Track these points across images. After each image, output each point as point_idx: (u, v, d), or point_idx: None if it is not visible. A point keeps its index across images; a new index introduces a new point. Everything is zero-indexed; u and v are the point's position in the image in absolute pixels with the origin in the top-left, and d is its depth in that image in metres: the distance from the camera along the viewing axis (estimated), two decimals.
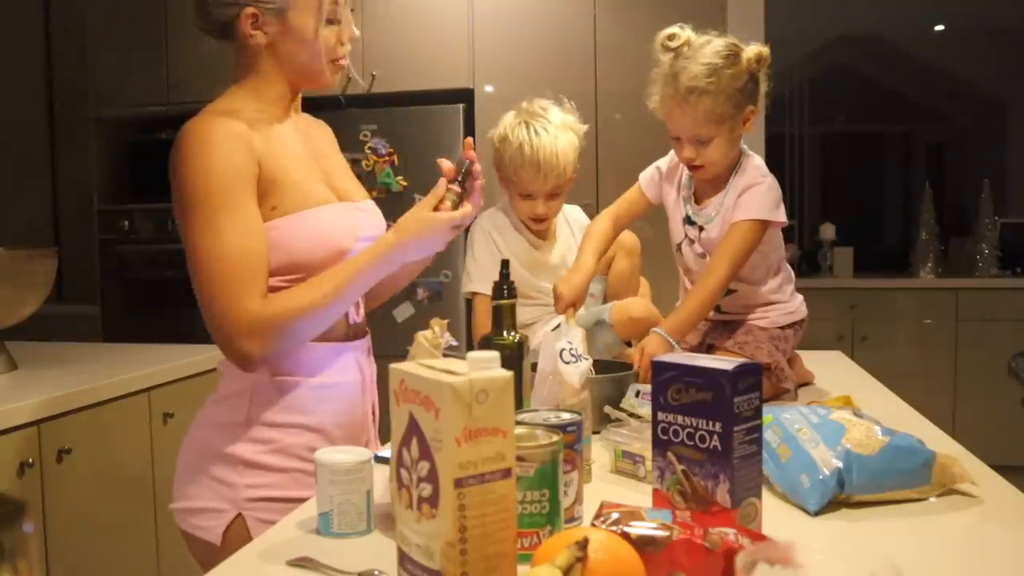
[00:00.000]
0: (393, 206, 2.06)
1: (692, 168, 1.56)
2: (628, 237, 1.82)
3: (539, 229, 1.83)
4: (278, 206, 1.21)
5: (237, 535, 1.21)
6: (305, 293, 1.18)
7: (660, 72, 1.52)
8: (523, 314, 1.81)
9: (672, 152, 1.67)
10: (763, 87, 1.54)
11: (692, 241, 1.63)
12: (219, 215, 1.16)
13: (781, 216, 1.55)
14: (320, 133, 1.43)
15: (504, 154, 1.75)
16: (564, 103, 1.80)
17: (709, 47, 1.48)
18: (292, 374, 1.25)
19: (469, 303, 1.89)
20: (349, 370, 1.32)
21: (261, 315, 1.15)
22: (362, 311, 1.39)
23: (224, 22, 1.25)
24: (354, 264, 1.21)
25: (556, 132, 1.71)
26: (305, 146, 1.32)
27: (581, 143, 1.77)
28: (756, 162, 1.59)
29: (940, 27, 5.52)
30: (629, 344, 1.69)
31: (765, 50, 1.49)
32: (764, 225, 1.53)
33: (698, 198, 1.63)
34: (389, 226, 1.29)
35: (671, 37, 1.50)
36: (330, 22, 1.25)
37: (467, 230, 1.47)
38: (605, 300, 1.85)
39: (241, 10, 1.23)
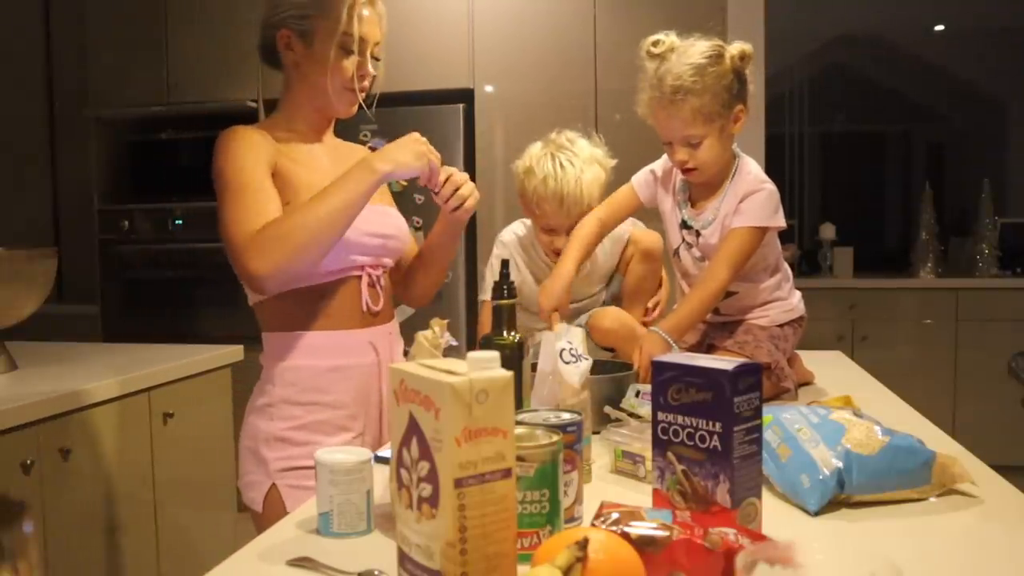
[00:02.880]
0: None
1: (686, 172, 1.56)
2: (647, 238, 1.81)
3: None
4: (291, 202, 1.39)
5: (273, 503, 1.40)
6: (296, 211, 1.33)
7: (646, 78, 1.53)
8: (531, 321, 1.82)
9: (665, 157, 1.68)
10: (751, 87, 1.54)
11: (690, 246, 1.63)
12: (240, 181, 1.37)
13: (780, 221, 1.55)
14: (359, 157, 1.58)
15: (528, 185, 1.72)
16: (593, 136, 1.77)
17: (693, 49, 1.50)
18: (307, 359, 1.43)
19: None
20: (363, 352, 1.47)
21: (256, 235, 1.31)
22: (382, 300, 1.51)
23: (268, 44, 1.47)
24: (341, 179, 1.35)
25: (582, 166, 1.69)
26: (332, 163, 1.50)
27: (608, 178, 1.74)
28: (752, 167, 1.59)
29: (940, 27, 5.52)
30: (611, 350, 1.68)
31: (748, 47, 1.51)
32: (763, 231, 1.53)
33: (694, 202, 1.63)
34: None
35: (655, 43, 1.52)
36: (348, 52, 1.42)
37: (473, 224, 1.50)
38: (620, 300, 1.85)
39: (278, 31, 1.44)
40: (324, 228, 1.32)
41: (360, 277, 1.47)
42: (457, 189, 1.42)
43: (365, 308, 1.47)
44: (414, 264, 1.64)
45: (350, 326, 1.46)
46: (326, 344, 1.44)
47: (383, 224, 1.50)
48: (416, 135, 1.40)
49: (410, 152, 1.37)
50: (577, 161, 1.69)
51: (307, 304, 1.43)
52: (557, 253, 1.75)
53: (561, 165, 1.68)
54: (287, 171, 1.41)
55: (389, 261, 1.54)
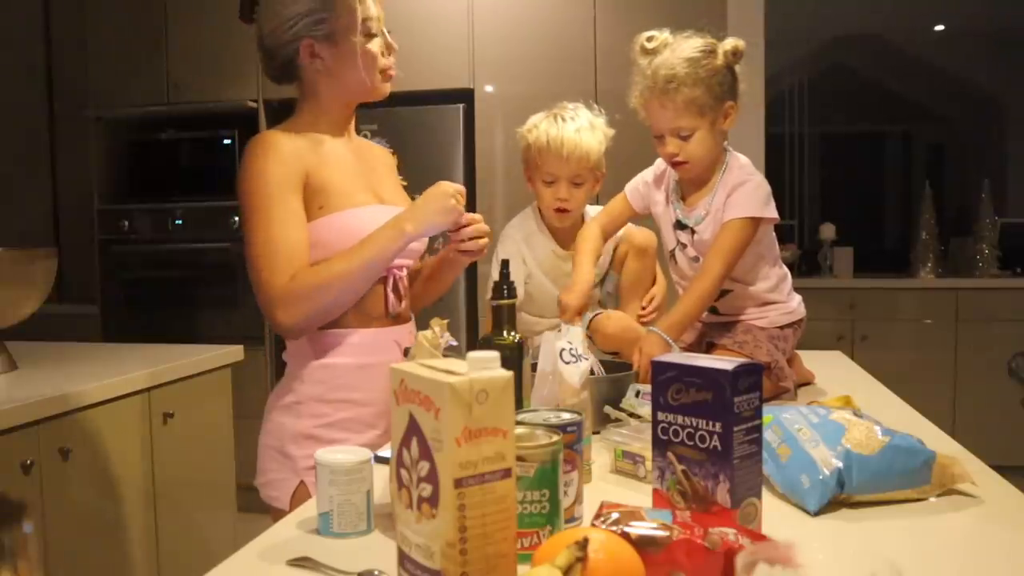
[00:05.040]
0: None
1: (675, 165, 1.57)
2: (640, 235, 1.82)
3: (563, 226, 1.83)
4: (324, 206, 1.41)
5: (301, 501, 1.36)
6: (326, 268, 1.36)
7: (639, 71, 1.55)
8: (541, 326, 1.82)
9: (657, 162, 1.69)
10: (743, 86, 1.56)
11: (684, 246, 1.63)
12: (268, 209, 1.37)
13: (772, 212, 1.55)
14: (378, 155, 1.65)
15: (530, 139, 1.79)
16: (593, 107, 1.83)
17: (687, 44, 1.53)
18: (336, 357, 1.45)
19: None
20: (388, 350, 1.48)
21: (287, 288, 1.34)
22: (405, 301, 1.54)
23: (286, 61, 1.46)
24: (370, 240, 1.38)
25: (580, 124, 1.76)
26: (356, 162, 1.52)
27: (607, 142, 1.80)
28: (742, 160, 1.60)
29: (940, 27, 5.52)
30: (615, 354, 1.69)
31: (740, 43, 1.53)
32: (756, 222, 1.53)
33: (686, 201, 1.63)
34: None
35: (650, 39, 1.55)
36: (372, 36, 1.44)
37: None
38: (616, 297, 1.86)
39: (299, 44, 1.43)
40: (349, 287, 1.38)
41: (386, 278, 1.49)
42: (475, 238, 1.45)
43: (390, 308, 1.50)
44: (412, 278, 1.65)
45: (376, 325, 1.48)
46: (356, 342, 1.46)
47: None
48: (445, 188, 1.40)
49: (438, 209, 1.39)
50: (577, 119, 1.77)
51: None
52: (559, 209, 1.79)
53: (563, 119, 1.77)
54: (318, 176, 1.42)
55: (410, 263, 1.57)
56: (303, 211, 1.40)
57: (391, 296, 1.49)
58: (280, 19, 1.43)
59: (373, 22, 1.43)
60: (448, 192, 1.40)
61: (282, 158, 1.39)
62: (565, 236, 1.85)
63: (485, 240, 1.48)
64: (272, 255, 1.35)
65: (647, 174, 1.73)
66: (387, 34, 1.48)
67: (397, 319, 1.52)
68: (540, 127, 1.77)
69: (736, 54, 1.52)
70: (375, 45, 1.45)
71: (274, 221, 1.36)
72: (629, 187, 1.74)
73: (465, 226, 1.45)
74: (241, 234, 1.41)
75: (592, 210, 1.91)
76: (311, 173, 1.41)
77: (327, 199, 1.42)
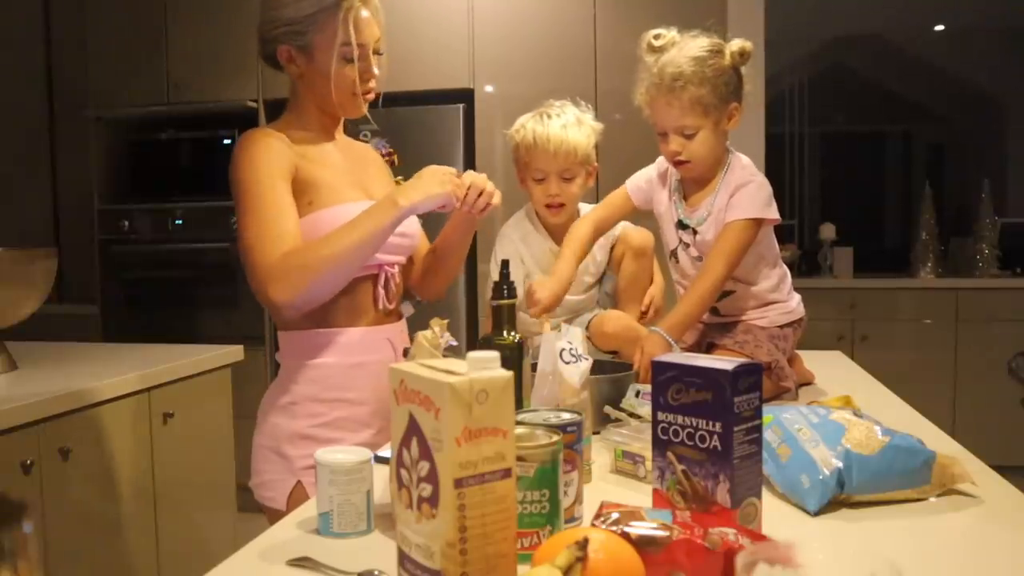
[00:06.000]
0: None
1: (678, 164, 1.57)
2: (637, 236, 1.82)
3: (558, 222, 1.82)
4: (313, 201, 1.42)
5: (298, 501, 1.39)
6: (319, 243, 1.35)
7: (645, 68, 1.55)
8: (540, 326, 1.81)
9: (660, 160, 1.69)
10: (748, 87, 1.56)
11: (687, 246, 1.63)
12: (260, 196, 1.37)
13: (774, 213, 1.56)
14: (369, 155, 1.66)
15: (517, 138, 1.80)
16: (580, 104, 1.84)
17: (694, 43, 1.53)
18: (328, 356, 1.45)
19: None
20: (380, 349, 1.49)
21: (278, 263, 1.33)
22: (395, 298, 1.53)
23: (270, 54, 1.49)
24: (364, 215, 1.37)
25: (566, 120, 1.77)
26: (345, 160, 1.54)
27: (596, 137, 1.81)
28: (744, 161, 1.60)
29: (940, 27, 5.52)
30: (614, 353, 1.69)
31: (748, 44, 1.53)
32: (758, 223, 1.54)
33: (688, 200, 1.63)
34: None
35: (657, 37, 1.55)
36: (349, 61, 1.43)
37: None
38: (614, 298, 1.86)
39: (278, 46, 1.46)
40: (344, 261, 1.35)
41: (377, 275, 1.49)
42: (481, 192, 1.41)
43: (381, 305, 1.49)
44: (429, 260, 1.66)
45: (367, 323, 1.49)
46: (349, 341, 1.46)
47: (407, 224, 1.49)
48: (437, 167, 1.41)
49: (432, 181, 1.38)
50: (563, 115, 1.79)
51: (327, 302, 1.43)
52: (551, 205, 1.79)
53: (548, 116, 1.78)
54: (306, 171, 1.43)
55: (402, 259, 1.57)
56: (292, 199, 1.40)
57: (381, 292, 1.49)
58: (267, 17, 1.46)
59: (351, 48, 1.41)
60: (441, 169, 1.40)
61: (271, 150, 1.40)
62: (562, 234, 1.85)
63: (492, 189, 1.42)
64: (263, 237, 1.34)
65: (650, 171, 1.72)
66: (373, 57, 1.46)
67: (388, 316, 1.52)
68: (527, 126, 1.78)
69: (743, 55, 1.52)
70: (350, 69, 1.43)
71: (266, 206, 1.36)
72: (630, 182, 1.74)
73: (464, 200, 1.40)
74: (235, 229, 1.41)
75: (588, 208, 1.91)
76: (299, 167, 1.42)
77: (316, 194, 1.42)
